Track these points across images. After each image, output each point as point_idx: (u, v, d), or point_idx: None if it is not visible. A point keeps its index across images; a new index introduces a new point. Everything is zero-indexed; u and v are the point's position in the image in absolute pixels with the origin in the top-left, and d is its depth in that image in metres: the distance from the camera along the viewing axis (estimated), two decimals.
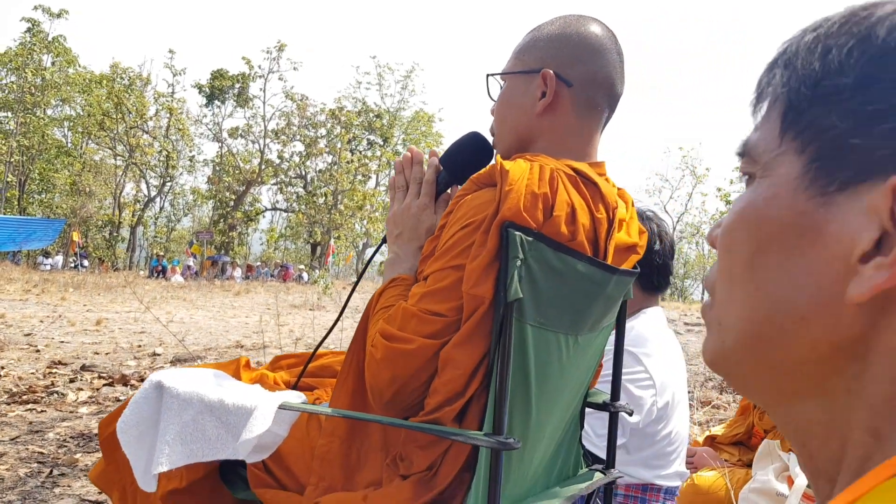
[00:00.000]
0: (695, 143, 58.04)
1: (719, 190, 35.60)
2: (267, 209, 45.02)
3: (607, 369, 1.67)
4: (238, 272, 34.33)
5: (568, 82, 1.34)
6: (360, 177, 40.95)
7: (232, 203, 40.33)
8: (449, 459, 1.24)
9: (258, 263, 40.69)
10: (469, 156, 1.47)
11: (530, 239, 1.18)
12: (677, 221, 41.13)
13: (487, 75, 1.49)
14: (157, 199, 45.45)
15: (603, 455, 1.65)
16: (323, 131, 41.10)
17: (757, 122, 0.50)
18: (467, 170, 1.44)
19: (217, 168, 41.15)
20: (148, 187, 43.95)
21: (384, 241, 1.52)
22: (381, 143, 44.26)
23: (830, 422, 0.43)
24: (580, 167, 1.30)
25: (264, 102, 41.10)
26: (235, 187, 40.59)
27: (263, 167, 40.20)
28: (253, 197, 42.92)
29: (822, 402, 0.44)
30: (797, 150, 0.45)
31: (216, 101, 41.29)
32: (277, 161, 41.71)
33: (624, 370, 1.79)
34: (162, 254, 39.89)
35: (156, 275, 31.12)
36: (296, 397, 1.46)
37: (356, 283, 1.62)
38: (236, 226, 40.01)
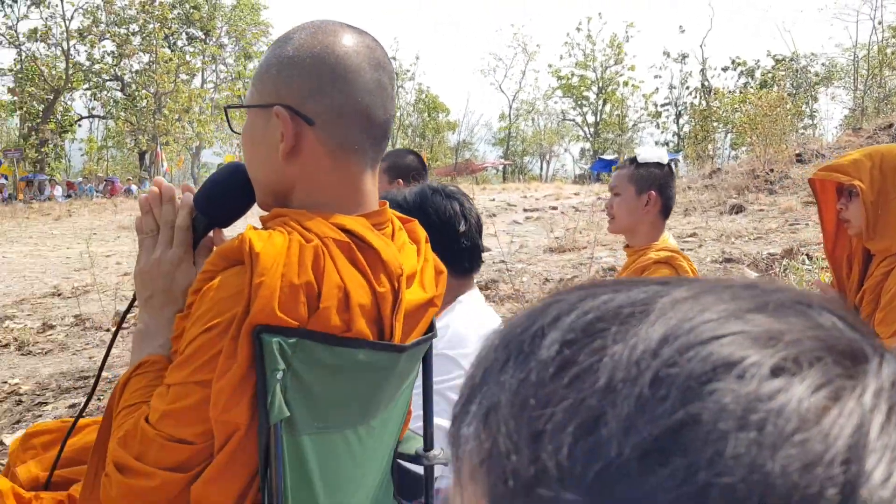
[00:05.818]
0: (525, 21, 58.59)
1: (550, 66, 36.38)
2: (83, 117, 41.25)
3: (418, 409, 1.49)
4: (59, 190, 31.35)
5: (308, 120, 1.06)
6: (183, 76, 38.16)
7: (41, 114, 36.46)
8: None
9: (80, 179, 37.10)
10: (229, 195, 1.19)
11: (292, 341, 0.94)
12: (513, 99, 41.78)
13: (225, 108, 1.28)
14: None
15: None
16: (135, 27, 37.57)
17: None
18: (231, 211, 1.19)
19: (19, 77, 36.86)
20: None
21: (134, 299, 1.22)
22: (203, 38, 41.27)
23: None
24: (354, 226, 1.05)
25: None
26: (43, 96, 36.63)
27: (71, 72, 36.45)
28: (64, 106, 38.93)
29: None
30: None
31: (6, 2, 36.40)
32: (87, 64, 37.93)
33: (443, 377, 1.66)
34: None
35: None
36: None
37: (114, 337, 1.34)
38: (48, 139, 36.23)
